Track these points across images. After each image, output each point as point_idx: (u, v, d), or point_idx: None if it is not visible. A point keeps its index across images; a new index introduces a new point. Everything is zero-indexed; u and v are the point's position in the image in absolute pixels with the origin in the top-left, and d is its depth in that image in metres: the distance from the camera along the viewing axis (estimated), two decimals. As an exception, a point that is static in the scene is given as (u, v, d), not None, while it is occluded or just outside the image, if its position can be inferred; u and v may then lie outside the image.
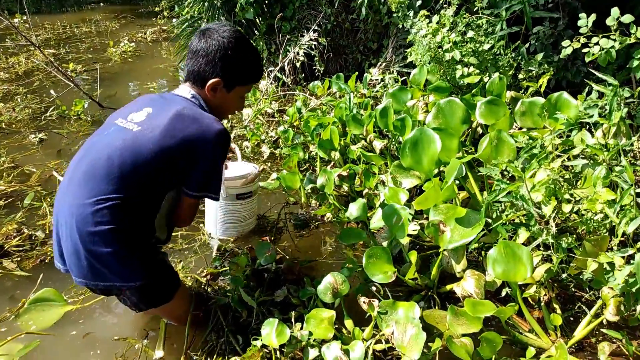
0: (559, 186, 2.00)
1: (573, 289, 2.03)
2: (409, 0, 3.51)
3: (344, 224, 2.61)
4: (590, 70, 3.47)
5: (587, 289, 2.01)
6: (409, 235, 2.19)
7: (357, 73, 4.00)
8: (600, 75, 2.39)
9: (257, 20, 5.10)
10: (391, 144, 2.84)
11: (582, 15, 2.20)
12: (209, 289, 2.12)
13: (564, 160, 2.02)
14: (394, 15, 4.66)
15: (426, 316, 1.85)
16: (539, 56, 3.29)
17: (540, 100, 2.66)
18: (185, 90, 1.79)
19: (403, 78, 4.16)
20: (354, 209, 2.31)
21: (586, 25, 2.17)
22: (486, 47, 3.26)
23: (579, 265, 1.82)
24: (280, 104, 4.29)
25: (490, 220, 2.09)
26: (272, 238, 2.50)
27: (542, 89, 2.89)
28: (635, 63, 2.11)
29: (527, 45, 3.31)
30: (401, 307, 1.82)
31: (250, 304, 1.92)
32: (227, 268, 2.21)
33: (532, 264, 1.73)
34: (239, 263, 2.13)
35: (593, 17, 2.17)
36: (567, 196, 1.99)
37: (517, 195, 1.96)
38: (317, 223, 2.65)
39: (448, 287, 2.05)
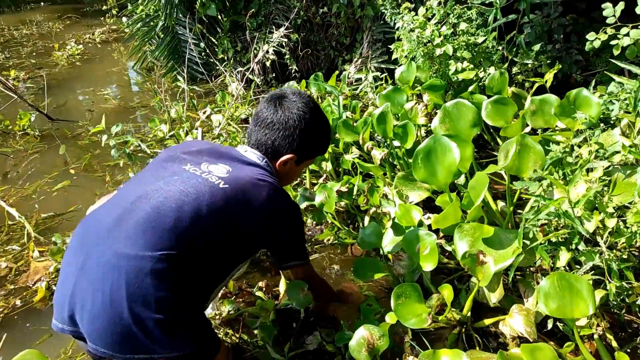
0: (599, 199, 1.75)
1: (624, 315, 1.79)
2: (395, -9, 3.21)
3: (347, 247, 2.30)
4: (581, 61, 3.30)
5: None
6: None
7: (337, 72, 3.68)
8: (623, 65, 2.18)
9: (220, 17, 4.70)
10: (391, 153, 2.54)
11: (607, 5, 1.96)
12: (233, 338, 1.79)
13: (605, 168, 1.77)
14: (368, 7, 4.38)
15: (468, 362, 1.57)
16: (536, 47, 3.07)
17: (553, 97, 2.43)
18: (256, 156, 1.64)
19: (383, 75, 3.88)
20: (367, 234, 2.00)
21: (613, 15, 1.94)
22: (479, 39, 3.01)
23: (638, 291, 1.58)
24: (254, 108, 3.93)
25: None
26: (273, 272, 2.17)
27: (549, 84, 2.66)
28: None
29: (523, 35, 3.09)
30: (444, 356, 1.53)
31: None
32: (243, 310, 1.89)
33: (593, 299, 1.47)
34: (267, 307, 1.80)
35: (621, 5, 1.94)
36: (610, 209, 1.75)
37: (558, 212, 1.71)
38: (315, 247, 2.33)
39: (487, 321, 1.78)
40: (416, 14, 3.12)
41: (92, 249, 1.27)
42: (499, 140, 2.79)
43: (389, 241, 2.02)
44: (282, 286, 2.02)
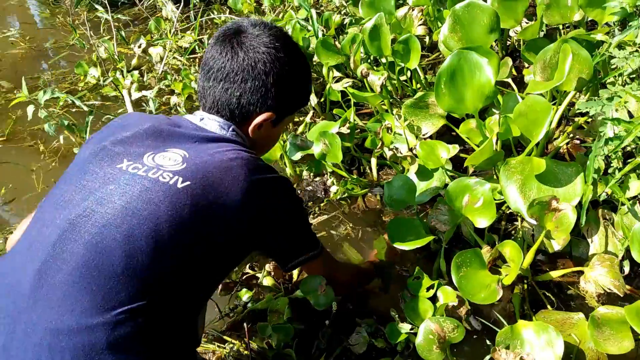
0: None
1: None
2: None
3: (359, 199, 1.94)
4: None
5: None
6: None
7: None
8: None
9: None
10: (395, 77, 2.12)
11: None
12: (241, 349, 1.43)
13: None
14: None
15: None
16: None
17: (571, -17, 2.03)
18: (217, 124, 1.16)
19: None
20: (395, 190, 1.62)
21: None
22: None
23: None
24: (199, 34, 3.29)
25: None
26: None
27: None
28: None
29: None
30: (525, 330, 1.25)
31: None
32: (253, 307, 1.52)
33: None
34: (279, 309, 1.42)
35: None
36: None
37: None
38: (322, 204, 1.94)
39: (553, 274, 1.50)
40: None
41: (12, 326, 0.85)
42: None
43: (417, 192, 1.67)
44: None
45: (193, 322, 1.04)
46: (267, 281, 1.63)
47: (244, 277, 1.67)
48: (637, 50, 1.61)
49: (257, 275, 1.66)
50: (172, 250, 0.93)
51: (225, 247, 1.04)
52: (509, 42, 2.45)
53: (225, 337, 1.51)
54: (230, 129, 1.15)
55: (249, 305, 1.58)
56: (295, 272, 1.63)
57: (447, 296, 1.40)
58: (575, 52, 1.59)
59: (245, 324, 1.44)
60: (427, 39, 2.62)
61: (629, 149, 1.48)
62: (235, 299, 1.62)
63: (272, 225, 1.11)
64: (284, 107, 1.20)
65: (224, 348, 1.47)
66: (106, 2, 3.48)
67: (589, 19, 2.00)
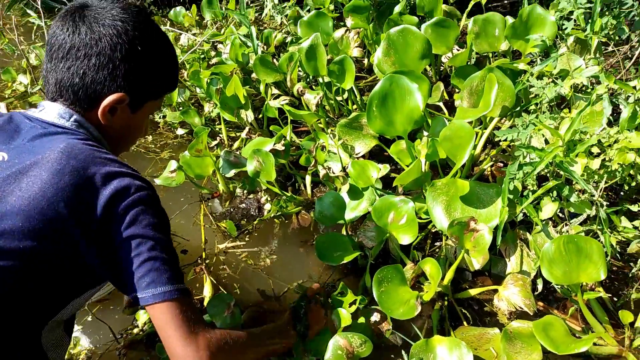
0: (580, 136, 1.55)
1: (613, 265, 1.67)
2: None
3: (292, 217, 1.94)
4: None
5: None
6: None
7: (235, -6, 3.09)
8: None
9: None
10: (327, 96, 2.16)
11: None
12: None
13: (589, 104, 1.56)
14: None
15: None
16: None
17: (497, 16, 2.16)
18: (57, 112, 0.99)
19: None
20: (325, 206, 1.64)
21: None
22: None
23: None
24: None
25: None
26: (205, 262, 1.75)
27: (484, 1, 2.38)
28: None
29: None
30: (439, 346, 1.29)
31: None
32: (153, 329, 1.46)
33: (604, 262, 1.29)
34: None
35: None
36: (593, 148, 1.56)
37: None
38: (255, 222, 1.93)
39: (472, 292, 1.56)
40: None
41: None
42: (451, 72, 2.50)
43: (347, 208, 1.70)
44: (206, 289, 1.63)
45: (36, 341, 0.93)
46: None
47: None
48: (553, 81, 1.73)
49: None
50: None
51: (53, 263, 0.88)
52: (442, 68, 2.56)
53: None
54: (72, 118, 0.99)
55: (146, 327, 1.52)
56: (206, 293, 1.61)
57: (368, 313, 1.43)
58: (500, 81, 1.68)
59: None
60: (365, 61, 2.69)
61: (542, 173, 1.57)
62: (133, 320, 1.55)
63: (122, 235, 0.90)
64: (140, 88, 1.04)
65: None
66: (40, 7, 3.35)
67: (514, 49, 2.13)
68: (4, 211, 0.84)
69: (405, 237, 1.49)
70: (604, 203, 1.42)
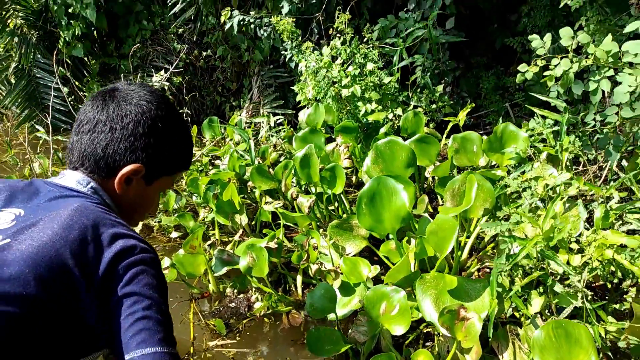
0: (561, 235, 1.64)
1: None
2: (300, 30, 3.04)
3: (282, 315, 1.93)
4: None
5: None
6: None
7: (235, 116, 3.36)
8: (544, 98, 2.19)
9: (87, 59, 4.15)
10: (318, 201, 2.27)
11: (534, 36, 1.95)
12: None
13: (567, 203, 1.67)
14: (256, 51, 4.16)
15: None
16: (439, 87, 3.09)
17: (474, 134, 2.38)
18: (76, 179, 1.05)
19: (279, 120, 3.65)
20: (317, 299, 1.65)
21: (542, 47, 1.92)
22: (386, 80, 2.93)
23: (630, 333, 1.45)
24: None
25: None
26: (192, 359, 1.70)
27: (462, 123, 2.63)
28: (593, 86, 1.91)
29: (427, 75, 3.08)
30: None
31: None
32: None
33: (594, 346, 1.30)
34: None
35: (549, 37, 1.93)
36: (572, 245, 1.65)
37: (528, 254, 1.56)
38: (245, 321, 1.91)
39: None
40: (320, 54, 2.96)
41: None
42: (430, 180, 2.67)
43: (339, 304, 1.71)
44: None
45: None
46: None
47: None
48: (528, 184, 1.87)
49: None
50: None
51: (55, 314, 0.87)
52: (425, 185, 2.72)
53: None
54: (89, 185, 1.04)
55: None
56: None
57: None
58: (479, 183, 1.82)
59: None
60: (353, 178, 2.86)
61: (527, 268, 1.63)
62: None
63: (119, 292, 0.90)
64: (157, 163, 1.08)
65: None
66: (50, 123, 3.58)
67: (493, 162, 2.30)
68: (13, 258, 0.87)
69: (399, 328, 1.50)
70: (589, 293, 1.47)
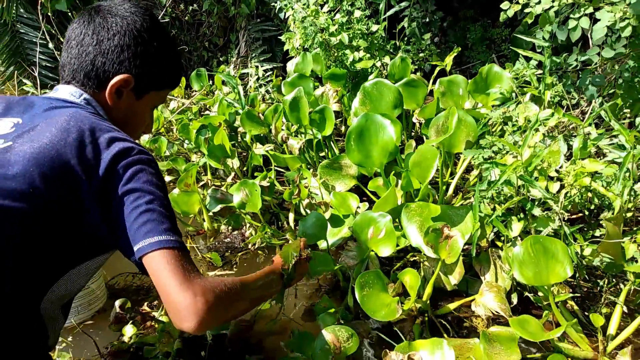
0: (540, 164, 1.72)
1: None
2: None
3: (276, 249, 2.01)
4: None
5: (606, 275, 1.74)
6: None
7: (223, 67, 3.37)
8: (529, 39, 2.24)
9: (72, 14, 4.09)
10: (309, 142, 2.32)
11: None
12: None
13: (546, 134, 1.75)
14: (242, 5, 4.13)
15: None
16: (427, 36, 3.11)
17: (460, 77, 2.42)
18: (69, 91, 1.09)
19: (268, 73, 3.66)
20: (308, 226, 1.72)
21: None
22: (374, 28, 2.95)
23: (602, 250, 1.54)
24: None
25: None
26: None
27: (448, 68, 2.67)
28: (573, 24, 1.95)
29: (413, 24, 3.10)
30: (423, 349, 1.33)
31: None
32: (142, 340, 1.45)
33: (570, 260, 1.39)
34: (171, 331, 1.39)
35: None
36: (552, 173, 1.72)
37: (508, 180, 1.64)
38: (240, 254, 1.99)
39: (451, 306, 1.62)
40: (307, 2, 2.96)
41: None
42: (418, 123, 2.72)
43: (329, 234, 1.78)
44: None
45: (35, 308, 0.95)
46: (166, 319, 1.58)
47: (138, 315, 1.61)
48: (510, 117, 1.94)
49: (152, 313, 1.61)
50: None
51: (57, 214, 0.92)
52: (413, 132, 2.78)
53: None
54: (82, 97, 1.08)
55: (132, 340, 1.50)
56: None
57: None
58: (461, 118, 1.88)
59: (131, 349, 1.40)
60: (342, 128, 2.91)
61: (508, 196, 1.71)
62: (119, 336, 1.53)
63: (120, 190, 0.94)
64: (145, 75, 1.12)
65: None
66: (37, 77, 3.56)
67: (479, 105, 2.36)
68: (16, 158, 0.91)
69: (385, 249, 1.58)
70: (566, 215, 1.55)
